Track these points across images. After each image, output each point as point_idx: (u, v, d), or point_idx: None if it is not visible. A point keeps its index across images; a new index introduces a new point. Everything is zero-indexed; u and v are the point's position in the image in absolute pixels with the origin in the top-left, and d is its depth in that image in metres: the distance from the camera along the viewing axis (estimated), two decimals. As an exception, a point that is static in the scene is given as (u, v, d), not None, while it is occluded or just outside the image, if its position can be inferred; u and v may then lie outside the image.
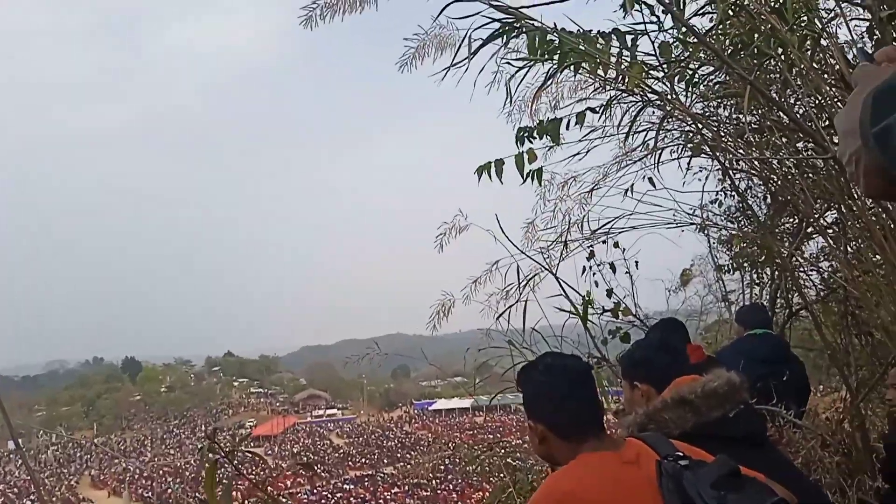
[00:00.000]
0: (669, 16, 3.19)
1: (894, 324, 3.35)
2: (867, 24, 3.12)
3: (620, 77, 3.27)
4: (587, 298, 4.06)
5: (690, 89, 3.56)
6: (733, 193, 5.14)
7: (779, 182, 3.87)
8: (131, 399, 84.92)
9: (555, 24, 2.95)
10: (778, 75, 3.41)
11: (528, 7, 2.97)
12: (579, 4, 3.14)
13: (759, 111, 3.66)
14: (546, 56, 2.99)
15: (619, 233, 4.36)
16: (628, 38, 3.07)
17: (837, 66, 3.09)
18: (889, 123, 0.72)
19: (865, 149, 0.75)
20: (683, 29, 3.25)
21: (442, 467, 45.57)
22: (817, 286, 4.63)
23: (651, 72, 3.30)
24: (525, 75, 3.26)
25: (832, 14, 3.21)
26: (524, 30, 2.97)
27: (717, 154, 3.95)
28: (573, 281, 4.12)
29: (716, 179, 5.16)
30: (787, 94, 3.47)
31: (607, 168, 4.59)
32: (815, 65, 3.17)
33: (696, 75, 3.53)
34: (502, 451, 5.11)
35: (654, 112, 3.94)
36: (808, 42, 3.20)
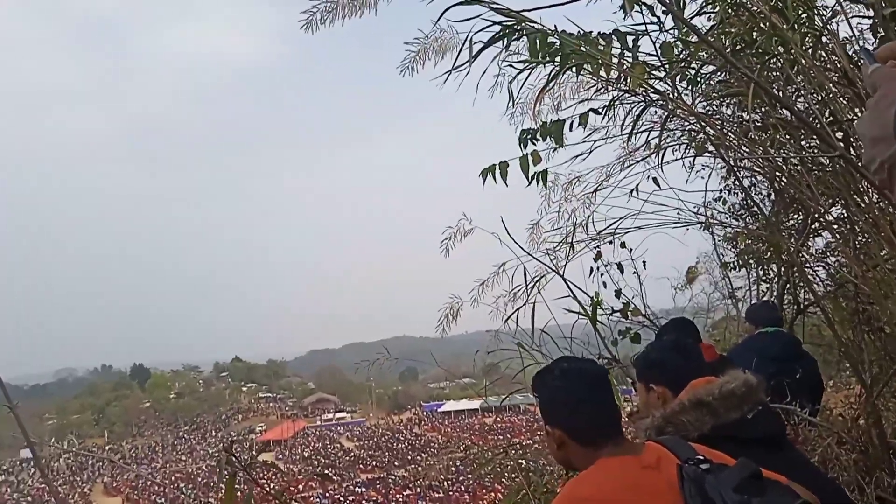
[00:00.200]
0: (670, 16, 3.18)
1: (905, 318, 3.34)
2: (869, 21, 3.10)
3: (622, 77, 3.27)
4: (595, 299, 4.06)
5: (693, 89, 3.55)
6: (737, 191, 5.13)
7: (784, 179, 3.86)
8: (141, 406, 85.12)
9: (555, 26, 2.94)
10: (780, 73, 3.40)
11: (528, 10, 2.96)
12: (579, 6, 3.14)
13: (763, 109, 3.65)
14: (547, 58, 2.98)
15: (625, 233, 4.36)
16: (629, 38, 3.06)
17: (840, 64, 3.08)
18: None
19: None
20: (685, 28, 3.25)
21: (453, 469, 45.50)
22: (824, 282, 4.62)
23: (653, 72, 3.29)
24: (527, 78, 3.26)
25: (832, 12, 3.20)
26: (525, 32, 2.96)
27: (722, 152, 3.94)
28: (581, 282, 4.13)
29: (719, 177, 5.16)
30: (790, 92, 3.45)
31: (611, 168, 4.59)
32: (816, 62, 3.16)
33: (699, 75, 3.52)
34: (514, 452, 5.10)
35: (656, 112, 3.94)
36: (810, 40, 3.19)
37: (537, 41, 2.90)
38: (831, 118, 3.14)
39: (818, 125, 2.85)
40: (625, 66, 2.99)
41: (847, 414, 3.68)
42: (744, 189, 4.68)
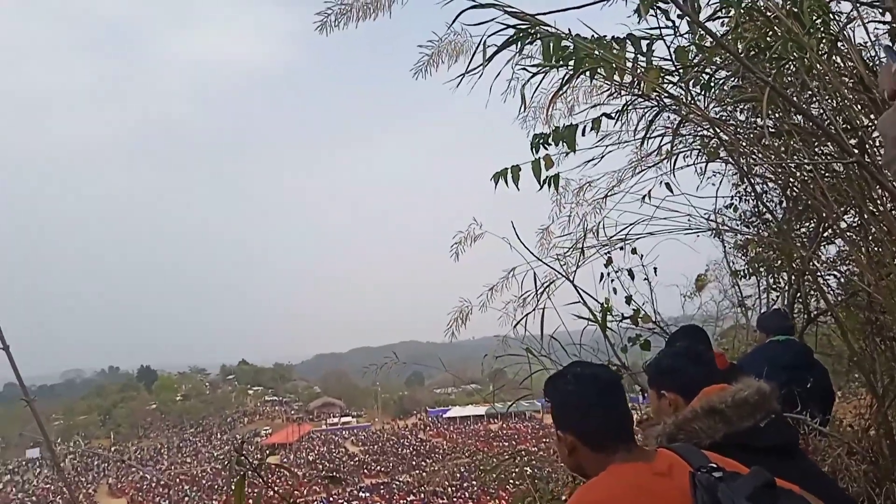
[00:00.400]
0: (684, 20, 3.17)
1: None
2: (887, 27, 3.09)
3: (636, 82, 3.25)
4: (605, 305, 4.03)
5: (706, 94, 3.53)
6: (749, 198, 5.10)
7: (797, 185, 3.83)
8: (147, 408, 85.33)
9: (569, 29, 2.93)
10: (795, 79, 3.38)
11: (543, 13, 2.95)
12: (594, 10, 3.13)
13: (777, 115, 3.63)
14: (561, 62, 2.97)
15: (636, 239, 4.33)
16: (643, 42, 3.05)
17: (855, 70, 3.06)
18: None
19: None
20: (699, 33, 3.23)
21: (458, 475, 45.40)
22: (835, 291, 4.58)
23: (667, 76, 3.27)
24: (540, 82, 3.25)
25: (848, 18, 3.18)
26: (539, 36, 2.95)
27: (735, 158, 3.92)
28: (591, 288, 4.10)
29: (730, 184, 5.13)
30: (805, 98, 3.43)
31: (622, 173, 4.57)
32: (832, 68, 3.14)
33: (712, 80, 3.50)
34: (519, 459, 5.07)
35: (669, 117, 3.92)
36: (825, 45, 3.17)
37: (551, 45, 2.90)
38: (846, 125, 3.12)
39: (833, 131, 2.83)
40: (639, 71, 2.98)
41: (857, 424, 3.65)
42: (756, 195, 4.65)
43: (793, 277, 4.98)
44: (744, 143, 3.58)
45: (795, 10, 2.90)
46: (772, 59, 3.09)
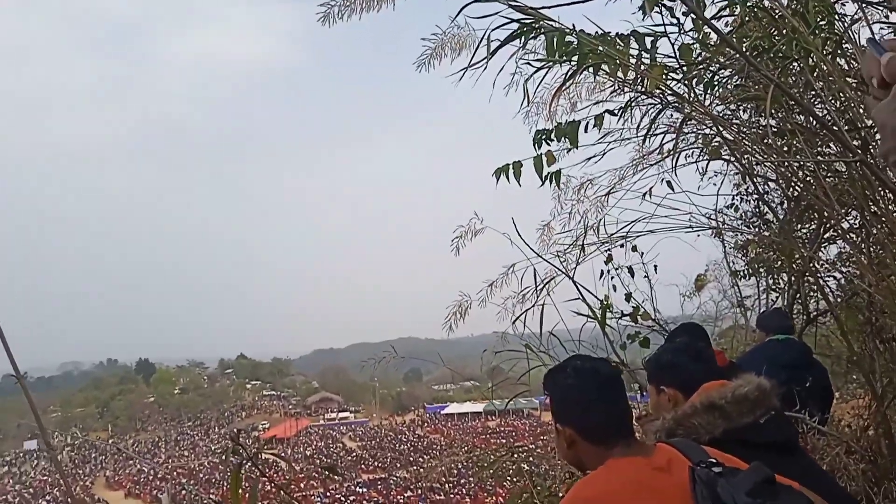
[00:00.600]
0: (689, 18, 3.16)
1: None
2: (892, 26, 3.08)
3: (639, 79, 3.24)
4: (605, 303, 4.03)
5: (710, 92, 3.52)
6: (749, 198, 5.10)
7: (799, 185, 3.83)
8: (145, 401, 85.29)
9: (573, 25, 2.92)
10: (799, 78, 3.37)
11: (546, 8, 2.94)
12: (598, 5, 3.12)
13: (781, 114, 3.62)
14: (564, 58, 2.97)
15: (637, 236, 4.32)
16: (648, 39, 3.04)
17: (860, 70, 3.05)
18: None
19: None
20: (703, 31, 3.23)
21: (455, 471, 45.42)
22: (834, 292, 4.58)
23: (670, 74, 3.26)
24: (543, 77, 3.24)
25: (853, 18, 3.17)
26: (543, 31, 2.94)
27: (737, 157, 3.91)
28: (591, 285, 4.10)
29: (731, 184, 5.12)
30: (809, 97, 3.43)
31: (624, 171, 4.56)
32: (836, 68, 3.13)
33: (716, 78, 3.50)
34: (517, 455, 5.08)
35: (671, 115, 3.91)
36: (830, 45, 3.17)
37: (555, 40, 2.88)
38: (848, 126, 3.12)
39: (837, 130, 2.82)
40: (642, 68, 2.97)
41: (856, 424, 3.65)
42: (759, 194, 4.64)
43: (793, 278, 4.98)
44: (746, 142, 3.57)
45: (801, 9, 2.90)
46: (776, 58, 3.09)
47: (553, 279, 4.12)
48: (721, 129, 3.44)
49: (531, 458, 5.13)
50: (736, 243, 5.53)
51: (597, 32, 2.98)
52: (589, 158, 4.20)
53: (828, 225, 4.06)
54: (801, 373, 3.36)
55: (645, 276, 4.35)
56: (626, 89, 3.53)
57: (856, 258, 3.81)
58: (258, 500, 2.03)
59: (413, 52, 3.44)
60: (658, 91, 3.26)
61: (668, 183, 4.19)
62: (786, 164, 3.42)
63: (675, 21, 3.15)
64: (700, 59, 3.31)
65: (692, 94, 3.34)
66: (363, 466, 60.30)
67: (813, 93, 3.28)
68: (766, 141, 3.51)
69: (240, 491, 2.06)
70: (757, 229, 5.15)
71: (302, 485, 47.32)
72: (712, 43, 3.24)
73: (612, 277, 4.32)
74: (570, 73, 3.09)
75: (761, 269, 5.51)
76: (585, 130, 3.47)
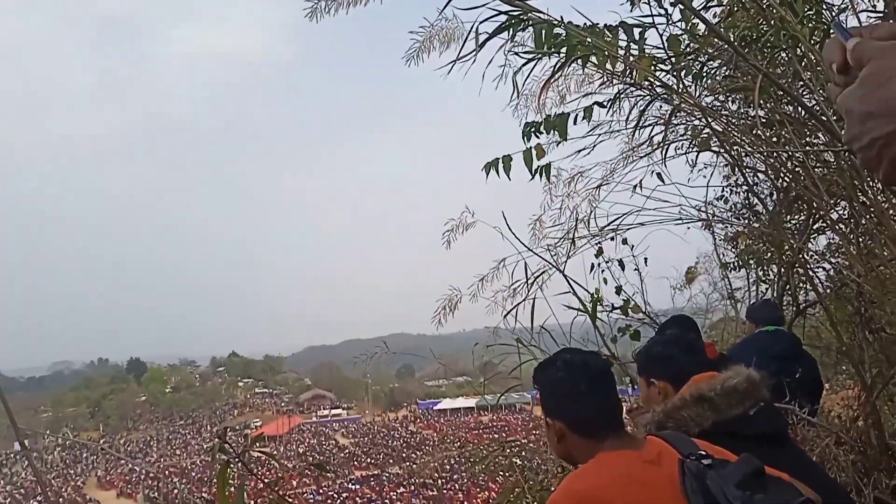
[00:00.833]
0: (677, 8, 3.15)
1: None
2: (880, 15, 3.08)
3: (628, 70, 3.23)
4: (596, 296, 4.02)
5: (698, 83, 3.52)
6: (739, 190, 5.10)
7: (788, 176, 3.83)
8: (136, 400, 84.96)
9: (561, 17, 2.90)
10: (787, 68, 3.37)
11: None
12: (586, -3, 3.10)
13: (769, 105, 3.62)
14: (553, 49, 2.94)
15: (627, 229, 4.31)
16: (636, 31, 3.03)
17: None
18: None
19: None
20: (691, 22, 3.21)
21: (447, 467, 45.47)
22: (823, 283, 4.59)
23: (659, 65, 3.25)
24: (532, 69, 3.22)
25: (840, 7, 3.17)
26: (531, 23, 2.92)
27: (726, 148, 3.91)
28: (581, 278, 4.09)
29: (721, 175, 5.13)
30: (798, 87, 3.42)
31: (614, 163, 4.55)
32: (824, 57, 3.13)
33: (704, 69, 3.49)
34: (509, 450, 5.06)
35: (661, 107, 3.90)
36: (818, 34, 3.16)
37: (543, 32, 2.86)
38: (836, 115, 3.11)
39: (826, 120, 2.82)
40: (631, 59, 2.95)
41: (845, 415, 3.66)
42: (748, 186, 4.65)
43: (782, 269, 5.00)
44: (735, 133, 3.57)
45: (788, -1, 2.89)
46: (764, 48, 3.08)
47: (544, 273, 4.10)
48: (710, 120, 3.43)
49: (523, 453, 5.12)
50: (726, 235, 5.54)
51: (585, 24, 2.96)
52: (579, 151, 4.19)
53: (817, 216, 4.06)
54: (790, 364, 3.37)
55: (635, 269, 4.34)
56: (614, 81, 3.51)
57: (845, 249, 3.81)
58: (246, 499, 2.01)
59: (407, 48, 3.41)
60: (647, 82, 3.25)
61: (659, 175, 4.18)
62: (775, 154, 3.42)
63: (663, 12, 3.14)
64: (688, 49, 3.30)
65: (681, 86, 3.33)
66: (356, 463, 60.28)
67: (801, 83, 3.27)
68: (755, 132, 3.50)
69: (230, 490, 2.03)
70: (746, 221, 5.16)
71: (294, 482, 47.24)
72: (700, 33, 3.23)
73: (603, 271, 4.31)
74: (558, 66, 3.07)
75: (751, 261, 5.53)
76: (575, 123, 3.46)
